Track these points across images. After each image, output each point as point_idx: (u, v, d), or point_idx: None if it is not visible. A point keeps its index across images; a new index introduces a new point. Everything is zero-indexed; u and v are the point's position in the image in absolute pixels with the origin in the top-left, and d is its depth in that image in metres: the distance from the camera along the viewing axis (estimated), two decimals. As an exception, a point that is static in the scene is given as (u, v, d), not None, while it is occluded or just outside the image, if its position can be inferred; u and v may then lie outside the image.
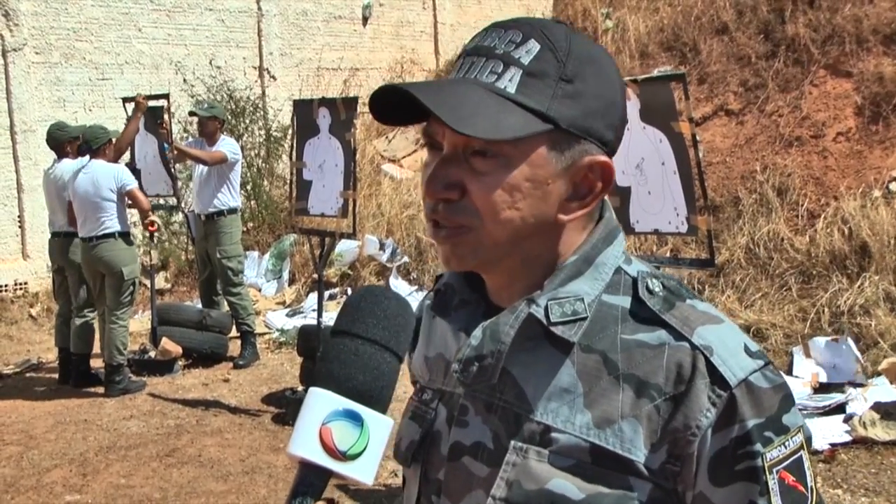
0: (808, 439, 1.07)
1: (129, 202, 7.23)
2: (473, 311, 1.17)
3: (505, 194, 1.04)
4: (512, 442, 1.08)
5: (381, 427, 0.99)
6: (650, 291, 1.09)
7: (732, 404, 1.01)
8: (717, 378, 1.02)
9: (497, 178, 1.04)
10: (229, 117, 11.01)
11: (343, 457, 0.97)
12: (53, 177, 7.39)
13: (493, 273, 1.14)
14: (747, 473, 1.01)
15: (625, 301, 1.10)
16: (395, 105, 1.07)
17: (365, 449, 0.98)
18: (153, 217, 7.47)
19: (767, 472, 1.01)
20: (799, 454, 1.05)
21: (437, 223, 1.09)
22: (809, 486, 1.05)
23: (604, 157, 1.08)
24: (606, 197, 1.16)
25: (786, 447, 1.03)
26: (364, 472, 0.98)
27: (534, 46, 1.04)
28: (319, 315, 6.28)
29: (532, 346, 1.10)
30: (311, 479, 0.98)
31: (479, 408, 1.13)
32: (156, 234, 7.94)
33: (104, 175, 7.02)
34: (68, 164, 7.28)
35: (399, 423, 1.28)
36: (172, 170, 8.11)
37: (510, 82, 1.03)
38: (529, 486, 1.05)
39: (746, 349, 1.05)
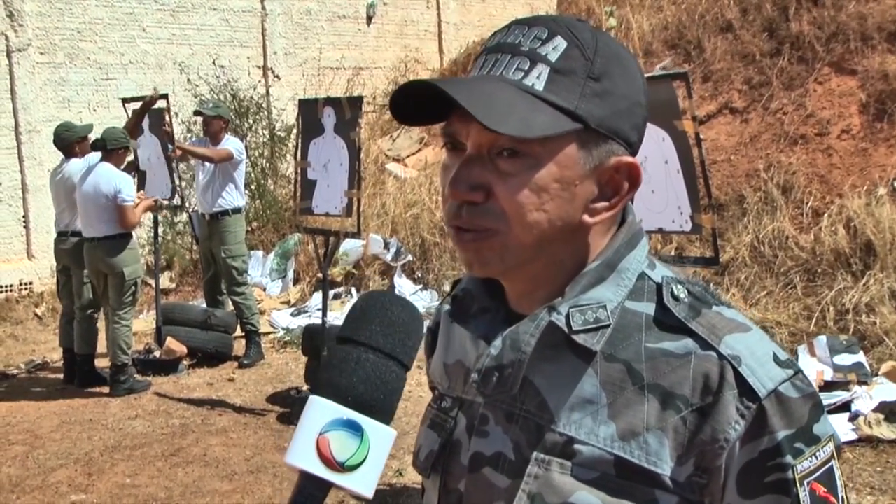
0: (839, 448, 1.05)
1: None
2: (493, 318, 1.14)
3: (533, 195, 1.01)
4: (534, 453, 1.06)
5: (382, 438, 0.96)
6: (675, 298, 1.06)
7: (762, 416, 0.98)
8: (745, 389, 0.99)
9: (525, 179, 1.01)
10: (233, 117, 11.02)
11: (341, 468, 0.93)
12: (62, 177, 7.40)
13: (516, 279, 1.11)
14: (777, 486, 0.99)
15: (649, 308, 1.07)
16: (414, 103, 1.04)
17: (364, 460, 0.94)
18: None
19: (798, 485, 0.99)
20: (830, 465, 1.02)
21: (460, 228, 1.05)
22: (840, 496, 1.03)
23: (630, 158, 1.06)
24: (630, 202, 1.14)
25: (816, 458, 1.00)
26: (363, 484, 0.94)
27: (560, 43, 1.02)
28: (324, 314, 6.29)
29: (553, 354, 1.07)
30: (309, 489, 0.95)
31: (500, 417, 1.11)
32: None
33: (109, 179, 7.05)
34: (77, 165, 7.28)
35: (417, 431, 1.26)
36: (175, 171, 8.11)
37: (538, 80, 1.01)
38: (552, 499, 1.03)
39: (776, 358, 1.02)
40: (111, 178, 7.06)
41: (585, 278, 1.06)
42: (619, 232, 1.10)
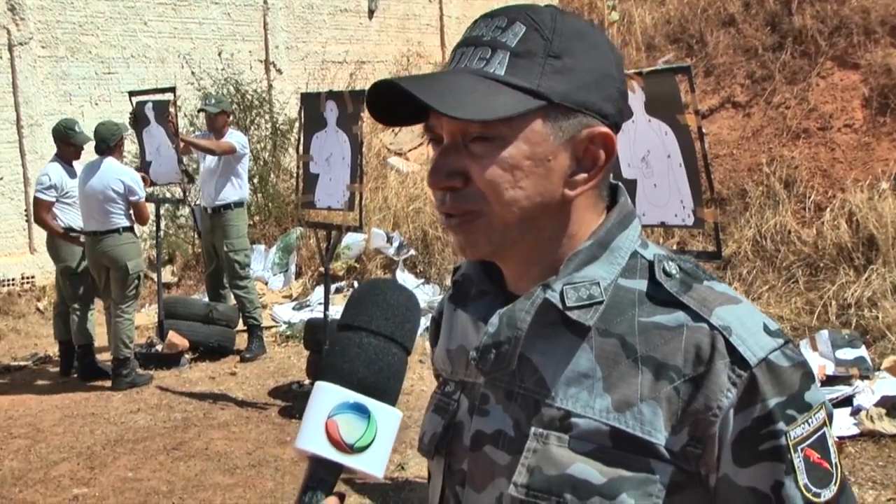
0: (830, 416, 1.07)
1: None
2: (492, 300, 1.17)
3: (506, 174, 1.04)
4: (532, 428, 1.08)
5: (388, 419, 0.98)
6: (667, 274, 1.09)
7: (753, 384, 1.00)
8: (736, 358, 1.01)
9: (496, 159, 1.04)
10: (236, 108, 11.02)
11: (350, 449, 0.96)
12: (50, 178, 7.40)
13: (509, 260, 1.14)
14: (772, 453, 1.01)
15: (641, 284, 1.09)
16: (395, 104, 1.08)
17: (373, 441, 0.96)
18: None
19: (792, 451, 1.01)
20: (822, 431, 1.04)
21: (448, 214, 1.09)
22: (833, 462, 1.05)
23: (603, 128, 1.08)
24: (621, 183, 1.17)
25: (809, 424, 1.02)
26: (373, 464, 0.97)
27: (520, 29, 1.05)
28: (326, 308, 6.29)
29: (549, 332, 1.09)
30: (321, 473, 0.97)
31: (500, 396, 1.13)
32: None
33: (116, 174, 7.09)
34: (54, 168, 7.30)
35: (423, 416, 1.29)
36: (183, 163, 8.11)
37: (499, 65, 1.04)
38: (550, 471, 1.05)
39: (766, 328, 1.04)
40: (122, 175, 7.13)
41: (578, 257, 1.09)
42: (611, 212, 1.13)
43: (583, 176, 1.09)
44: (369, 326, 1.01)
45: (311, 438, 0.96)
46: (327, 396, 0.97)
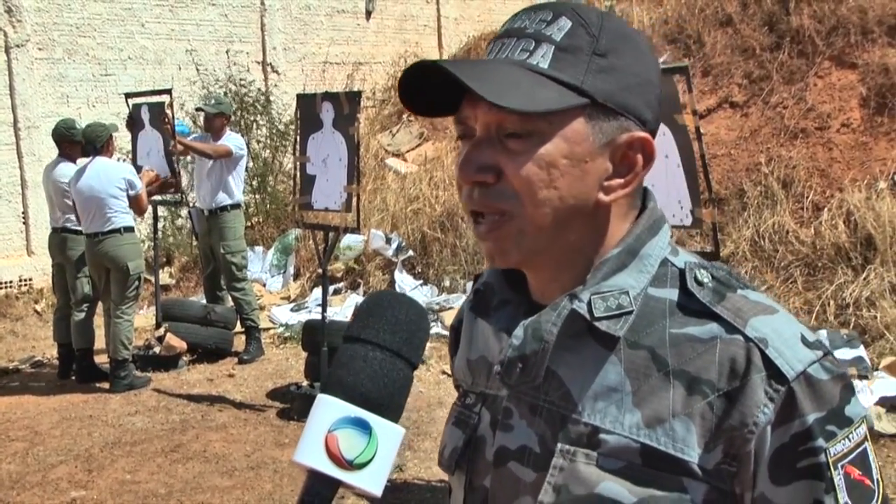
0: (871, 430, 1.03)
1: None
2: (514, 310, 1.13)
3: (542, 172, 1.01)
4: (559, 445, 1.04)
5: (390, 436, 0.96)
6: (699, 283, 1.04)
7: (791, 398, 0.96)
8: (773, 372, 0.97)
9: (533, 156, 1.01)
10: (236, 108, 11.01)
11: (350, 466, 0.93)
12: (54, 178, 7.39)
13: (537, 268, 1.10)
14: (811, 471, 0.96)
15: (672, 294, 1.05)
16: (425, 92, 1.05)
17: (373, 458, 0.94)
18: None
19: (832, 469, 0.96)
20: (863, 446, 1.00)
21: (476, 214, 1.05)
22: (875, 478, 1.01)
23: (643, 133, 1.05)
24: (649, 187, 1.14)
25: (850, 440, 0.98)
26: (372, 482, 0.94)
27: (565, 23, 1.02)
28: (324, 310, 6.27)
29: (576, 344, 1.06)
30: (318, 488, 0.94)
31: (524, 410, 1.09)
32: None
33: (112, 172, 7.10)
34: (68, 168, 7.30)
35: (443, 430, 1.26)
36: (176, 166, 8.09)
37: (542, 58, 1.01)
38: (578, 490, 1.02)
39: (803, 339, 1.00)
40: (118, 171, 7.16)
41: (607, 265, 1.05)
42: (640, 218, 1.09)
43: (619, 181, 1.05)
44: (376, 340, 0.98)
45: (310, 452, 0.94)
46: (329, 410, 0.95)
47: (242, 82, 11.52)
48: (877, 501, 1.00)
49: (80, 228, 7.27)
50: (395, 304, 1.02)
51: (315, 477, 0.94)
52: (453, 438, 1.20)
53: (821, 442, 0.96)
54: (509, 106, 0.96)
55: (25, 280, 10.51)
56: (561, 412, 1.06)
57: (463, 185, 1.06)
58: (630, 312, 1.03)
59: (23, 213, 10.53)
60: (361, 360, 0.97)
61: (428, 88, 1.04)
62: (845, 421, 0.98)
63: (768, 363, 0.97)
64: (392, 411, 0.97)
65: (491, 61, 1.03)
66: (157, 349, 7.76)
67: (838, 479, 0.97)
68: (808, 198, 7.73)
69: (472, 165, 1.03)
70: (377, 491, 0.95)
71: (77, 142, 7.36)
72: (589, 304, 1.03)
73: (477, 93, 0.96)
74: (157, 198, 8.00)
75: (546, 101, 0.98)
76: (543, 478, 1.04)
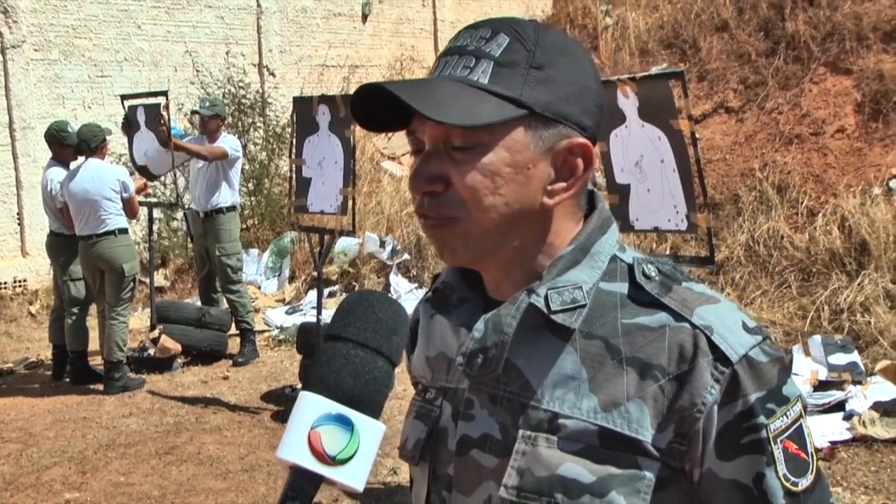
0: (805, 407, 1.11)
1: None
2: (473, 307, 1.19)
3: (486, 180, 1.07)
4: (520, 431, 1.10)
5: (372, 432, 0.98)
6: (647, 276, 1.12)
7: (735, 380, 1.04)
8: (719, 355, 1.04)
9: (477, 165, 1.06)
10: (232, 110, 11.01)
11: (332, 461, 0.95)
12: (43, 181, 7.41)
13: (488, 267, 1.16)
14: (753, 446, 1.04)
15: (622, 287, 1.12)
16: (379, 108, 1.10)
17: (355, 454, 0.96)
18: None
19: (772, 443, 1.04)
20: (799, 422, 1.08)
21: (425, 216, 1.11)
22: (809, 451, 1.09)
23: (582, 139, 1.10)
24: (600, 192, 1.18)
25: (787, 417, 1.06)
26: (354, 477, 0.96)
27: (503, 40, 1.08)
28: (319, 312, 6.27)
29: (534, 336, 1.12)
30: (300, 484, 0.96)
31: (485, 400, 1.15)
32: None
33: (106, 174, 7.10)
34: (57, 173, 7.30)
35: (403, 424, 1.30)
36: (173, 164, 8.10)
37: (483, 74, 1.07)
38: (540, 472, 1.07)
39: (744, 325, 1.08)
40: (112, 174, 7.17)
41: (561, 262, 1.12)
42: (590, 218, 1.16)
43: (562, 185, 1.11)
44: (357, 338, 1.01)
45: (293, 448, 0.96)
46: (311, 407, 0.97)
47: (240, 84, 11.53)
48: (811, 472, 1.08)
49: (63, 232, 7.28)
50: (376, 303, 1.04)
51: (298, 473, 0.96)
52: (416, 431, 1.25)
53: (762, 419, 1.04)
54: (450, 121, 1.02)
55: (20, 281, 10.50)
56: (521, 400, 1.12)
57: (415, 195, 1.12)
58: (584, 306, 1.10)
59: (17, 214, 10.51)
60: (343, 357, 0.99)
61: (380, 107, 1.10)
62: (783, 399, 1.06)
63: (714, 348, 1.05)
64: (373, 408, 0.99)
65: (434, 79, 1.09)
66: (151, 351, 7.76)
67: (778, 452, 1.05)
68: (802, 203, 7.75)
69: (421, 177, 1.09)
70: (359, 486, 0.97)
71: (68, 145, 7.34)
72: (546, 298, 1.10)
73: (418, 110, 1.02)
74: (153, 199, 8.00)
75: (486, 114, 1.04)
76: (505, 463, 1.10)
